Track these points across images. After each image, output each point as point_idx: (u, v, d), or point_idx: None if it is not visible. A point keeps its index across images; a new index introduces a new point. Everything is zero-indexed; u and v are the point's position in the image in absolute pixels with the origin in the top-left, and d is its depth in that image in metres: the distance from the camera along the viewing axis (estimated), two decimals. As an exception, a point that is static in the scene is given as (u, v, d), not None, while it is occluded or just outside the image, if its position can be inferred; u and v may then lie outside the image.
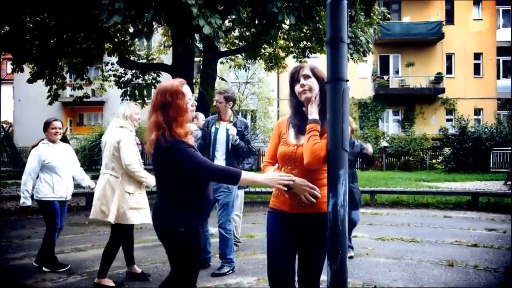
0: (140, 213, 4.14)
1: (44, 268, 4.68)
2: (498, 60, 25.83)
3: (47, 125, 4.77)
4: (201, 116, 6.24)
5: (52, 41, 11.20)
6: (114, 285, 4.16)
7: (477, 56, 25.31)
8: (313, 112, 2.45)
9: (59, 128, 4.76)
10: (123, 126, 4.25)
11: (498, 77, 25.73)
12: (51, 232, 4.72)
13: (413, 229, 7.00)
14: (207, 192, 2.57)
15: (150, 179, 4.14)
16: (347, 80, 2.17)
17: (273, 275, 2.53)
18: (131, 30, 11.88)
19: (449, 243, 5.99)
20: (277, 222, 2.55)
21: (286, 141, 2.57)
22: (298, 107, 2.58)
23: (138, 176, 4.14)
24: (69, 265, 4.79)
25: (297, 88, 2.53)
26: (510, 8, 25.96)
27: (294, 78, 2.56)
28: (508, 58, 25.95)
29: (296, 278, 2.57)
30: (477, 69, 25.43)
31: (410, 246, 5.81)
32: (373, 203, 9.64)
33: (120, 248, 4.34)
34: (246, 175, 2.38)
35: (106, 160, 4.23)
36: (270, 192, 10.03)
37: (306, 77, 2.51)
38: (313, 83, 2.49)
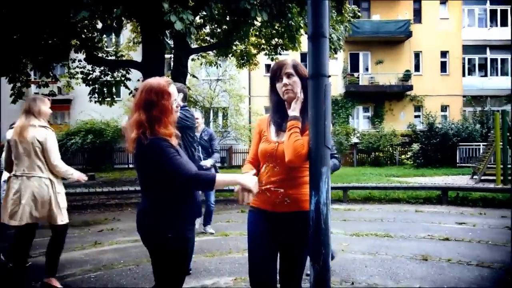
0: (64, 211, 4.10)
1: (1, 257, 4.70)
2: (464, 58, 26.50)
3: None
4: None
5: (15, 36, 10.78)
6: (61, 286, 4.06)
7: (443, 54, 25.91)
8: (295, 109, 2.40)
9: None
10: (45, 125, 4.02)
11: (464, 75, 26.41)
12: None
13: (386, 224, 7.08)
14: (196, 195, 2.48)
15: (76, 174, 4.06)
16: (329, 76, 2.14)
17: (255, 275, 2.47)
18: (99, 26, 11.60)
19: (422, 237, 6.08)
20: (259, 221, 2.50)
21: (267, 138, 2.52)
22: (279, 104, 2.52)
23: (63, 172, 4.01)
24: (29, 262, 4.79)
25: (279, 87, 2.47)
26: (477, 7, 26.67)
27: (276, 75, 2.48)
28: (473, 56, 26.70)
29: (278, 278, 2.52)
30: (443, 67, 26.03)
31: (385, 242, 5.86)
32: (346, 199, 9.72)
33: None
34: (220, 178, 2.26)
35: (26, 162, 3.94)
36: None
37: (289, 75, 2.44)
38: (296, 82, 2.43)
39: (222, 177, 2.26)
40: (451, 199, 9.43)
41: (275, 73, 2.48)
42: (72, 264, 4.91)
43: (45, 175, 3.95)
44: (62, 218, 4.04)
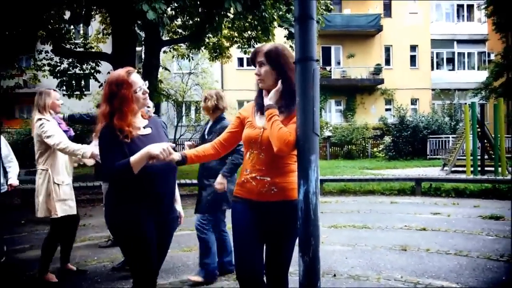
0: (66, 205, 3.96)
1: None
2: (432, 52, 27.00)
3: None
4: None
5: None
6: (57, 280, 3.99)
7: (413, 48, 26.31)
8: (271, 98, 2.30)
9: None
10: (41, 118, 3.94)
11: (432, 69, 26.92)
12: None
13: (363, 216, 7.09)
14: (158, 186, 2.37)
15: (85, 149, 3.84)
16: (317, 60, 2.04)
17: (241, 268, 2.36)
18: (67, 16, 11.20)
19: (399, 228, 6.10)
20: (244, 211, 2.39)
21: (251, 123, 2.42)
22: (261, 89, 2.43)
23: (71, 152, 3.83)
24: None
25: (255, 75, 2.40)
26: (444, 2, 27.19)
27: (254, 63, 2.41)
28: (441, 50, 27.24)
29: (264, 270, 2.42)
30: (413, 61, 26.45)
31: (363, 233, 5.86)
32: (322, 192, 9.71)
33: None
34: (133, 159, 2.22)
35: (35, 156, 4.03)
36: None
37: (261, 64, 2.36)
38: (267, 71, 2.33)
39: (134, 157, 2.22)
40: (424, 190, 9.55)
41: (252, 60, 2.42)
42: (43, 263, 4.68)
43: (41, 166, 3.95)
44: (55, 211, 3.90)
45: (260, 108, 2.39)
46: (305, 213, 2.02)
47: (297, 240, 2.17)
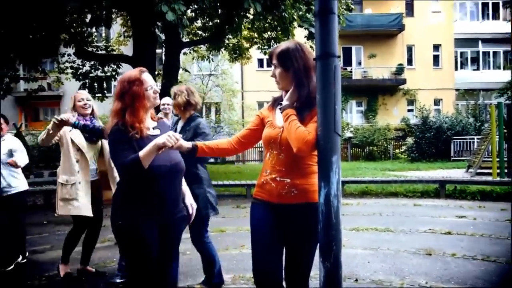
0: (70, 204, 3.92)
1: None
2: (456, 52, 26.46)
3: None
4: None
5: (1, 30, 10.47)
6: (66, 272, 4.08)
7: (436, 47, 25.83)
8: (288, 99, 2.24)
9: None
10: None
11: (456, 68, 26.38)
12: None
13: (385, 219, 6.93)
14: (161, 188, 2.34)
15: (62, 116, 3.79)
16: (339, 56, 1.95)
17: (259, 273, 2.28)
18: (88, 20, 11.31)
19: (423, 231, 5.94)
20: (263, 214, 2.31)
21: (271, 123, 2.35)
22: None
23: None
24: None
25: None
26: (469, 1, 26.65)
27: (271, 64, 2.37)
28: (465, 49, 26.68)
29: (284, 275, 2.34)
30: (436, 61, 25.96)
31: (385, 236, 5.71)
32: (343, 193, 9.56)
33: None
34: (142, 153, 2.20)
35: None
36: (238, 185, 9.84)
37: (275, 66, 2.31)
38: (279, 74, 2.29)
39: (143, 151, 2.21)
40: (448, 192, 9.32)
41: (270, 62, 2.37)
42: (62, 264, 4.69)
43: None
44: (56, 209, 3.98)
45: (280, 105, 2.32)
46: (326, 216, 1.93)
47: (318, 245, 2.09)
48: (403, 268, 4.28)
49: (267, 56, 16.85)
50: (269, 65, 2.39)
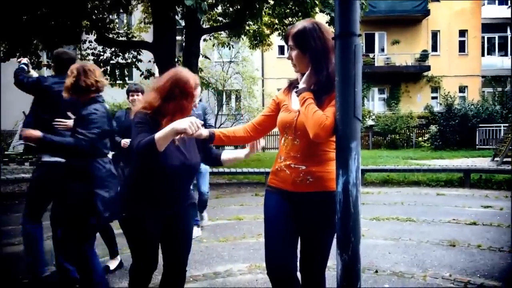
0: None
1: None
2: (483, 37, 25.68)
3: None
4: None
5: (25, 17, 10.53)
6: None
7: (462, 33, 25.11)
8: (305, 82, 2.12)
9: None
10: None
11: (483, 55, 25.62)
12: None
13: (407, 208, 6.76)
14: (169, 188, 2.31)
15: None
16: (359, 35, 1.82)
17: (272, 264, 2.17)
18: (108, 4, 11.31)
19: (447, 221, 5.75)
20: (277, 202, 2.20)
21: (287, 107, 2.23)
22: None
23: None
24: None
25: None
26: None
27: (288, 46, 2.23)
28: (493, 35, 25.87)
29: (298, 266, 2.24)
30: (462, 47, 25.25)
31: (407, 226, 5.55)
32: (363, 182, 9.40)
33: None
34: (158, 135, 2.06)
35: None
36: (257, 172, 9.76)
37: (291, 48, 2.18)
38: (296, 56, 2.15)
39: (159, 133, 2.06)
40: (473, 181, 9.05)
41: (286, 43, 2.23)
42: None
43: None
44: None
45: (297, 88, 2.21)
46: (344, 206, 1.81)
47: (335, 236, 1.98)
48: (426, 259, 4.14)
49: (287, 42, 16.62)
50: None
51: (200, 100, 5.04)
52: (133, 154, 2.19)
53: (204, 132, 2.24)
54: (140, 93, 4.73)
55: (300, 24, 2.17)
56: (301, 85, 2.11)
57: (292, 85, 2.29)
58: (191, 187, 2.62)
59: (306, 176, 2.11)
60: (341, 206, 1.82)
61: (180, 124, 2.03)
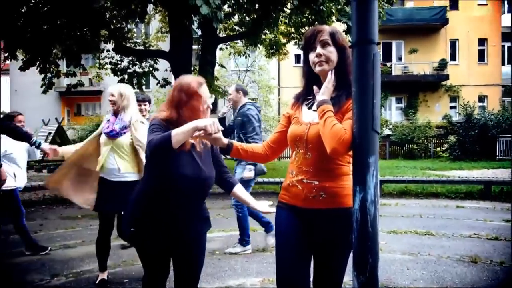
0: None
1: (26, 252, 4.84)
2: (503, 46, 25.26)
3: (11, 119, 4.76)
4: None
5: (45, 27, 10.67)
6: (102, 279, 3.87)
7: (481, 42, 24.73)
8: (325, 93, 2.00)
9: (23, 122, 4.84)
10: None
11: (503, 64, 25.18)
12: (20, 219, 4.86)
13: (426, 221, 6.58)
14: (178, 201, 2.22)
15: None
16: (379, 43, 1.72)
17: (283, 283, 2.06)
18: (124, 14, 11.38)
19: (467, 236, 5.56)
20: (289, 219, 2.09)
21: (298, 119, 2.13)
22: (311, 78, 2.13)
23: None
24: (49, 247, 4.99)
25: (312, 57, 2.07)
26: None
27: (310, 44, 2.07)
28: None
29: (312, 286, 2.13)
30: (481, 56, 24.86)
31: (426, 240, 5.38)
32: (381, 193, 9.18)
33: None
34: (176, 130, 1.99)
35: None
36: (272, 182, 9.67)
37: (324, 44, 2.03)
38: (332, 52, 2.03)
39: (178, 128, 2.00)
40: (494, 194, 8.80)
41: (309, 41, 2.07)
42: (91, 259, 4.62)
43: None
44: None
45: (307, 100, 2.12)
46: (361, 225, 1.71)
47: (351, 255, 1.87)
48: (446, 276, 3.97)
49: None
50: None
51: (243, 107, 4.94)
52: (146, 157, 2.19)
53: (223, 139, 2.15)
54: (147, 103, 4.75)
55: (326, 26, 2.11)
56: (321, 97, 2.00)
57: (300, 97, 2.19)
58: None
59: (319, 191, 2.00)
60: (358, 225, 1.72)
61: (201, 121, 1.99)
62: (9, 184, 4.61)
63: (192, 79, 2.29)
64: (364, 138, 1.71)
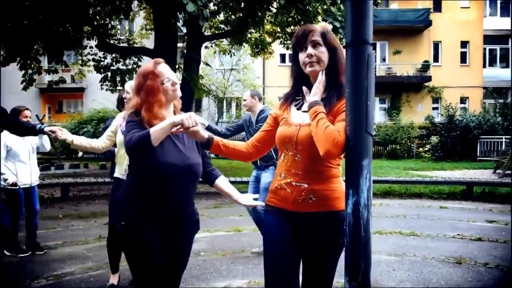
0: None
1: (5, 252, 4.75)
2: (485, 49, 25.64)
3: (17, 113, 4.58)
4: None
5: (26, 22, 10.43)
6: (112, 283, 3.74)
7: (464, 44, 25.07)
8: (316, 94, 1.95)
9: (30, 117, 4.67)
10: None
11: (484, 66, 25.57)
12: (17, 219, 4.77)
13: (410, 222, 6.61)
14: (166, 190, 2.12)
15: None
16: (373, 44, 1.69)
17: None
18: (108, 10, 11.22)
19: (452, 237, 5.60)
20: (277, 223, 2.03)
21: (287, 120, 2.07)
22: (300, 79, 2.08)
23: None
24: (30, 252, 4.80)
25: (302, 57, 2.02)
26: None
27: (301, 43, 2.02)
28: (494, 46, 25.84)
29: None
30: (463, 58, 25.20)
31: (411, 241, 5.40)
32: (365, 194, 9.23)
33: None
34: (153, 129, 1.99)
35: None
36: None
37: (316, 44, 1.99)
38: (323, 53, 1.99)
39: (155, 126, 2.01)
40: (476, 194, 8.91)
41: (300, 41, 2.02)
42: (73, 261, 4.53)
43: None
44: None
45: (296, 101, 2.08)
46: (354, 230, 1.67)
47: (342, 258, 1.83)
48: (432, 278, 3.98)
49: (289, 51, 16.48)
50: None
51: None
52: (127, 151, 2.08)
53: (203, 133, 2.09)
54: None
55: (316, 25, 2.06)
56: (313, 97, 1.95)
57: (289, 98, 2.14)
58: None
59: (309, 195, 1.95)
60: (351, 229, 1.68)
61: (177, 117, 2.00)
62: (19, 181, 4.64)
63: (149, 62, 2.29)
64: (357, 141, 1.68)
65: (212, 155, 5.39)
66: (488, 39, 25.25)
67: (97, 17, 12.37)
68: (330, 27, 11.71)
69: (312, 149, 1.89)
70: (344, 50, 1.91)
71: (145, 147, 1.97)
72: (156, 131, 1.96)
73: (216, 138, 2.17)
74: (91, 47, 13.64)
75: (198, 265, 4.31)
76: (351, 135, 1.69)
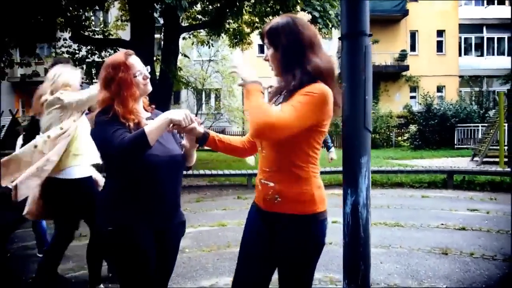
0: None
1: None
2: (460, 38, 25.97)
3: None
4: None
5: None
6: None
7: (440, 33, 25.34)
8: (252, 77, 1.88)
9: None
10: None
11: (460, 55, 25.92)
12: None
13: (393, 212, 6.62)
14: (158, 183, 2.01)
15: None
16: (370, 35, 1.61)
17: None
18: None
19: (436, 226, 5.61)
20: (254, 220, 1.96)
21: None
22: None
23: None
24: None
25: None
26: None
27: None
28: (469, 35, 26.20)
29: None
30: (439, 47, 25.49)
31: (396, 232, 5.39)
32: (347, 184, 9.24)
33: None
34: (148, 128, 1.85)
35: None
36: (239, 174, 9.54)
37: (266, 47, 1.92)
38: (271, 55, 1.88)
39: (150, 125, 1.88)
40: (456, 183, 9.01)
41: (262, 42, 1.97)
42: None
43: None
44: None
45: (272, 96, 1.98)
46: (352, 230, 1.60)
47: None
48: (419, 270, 3.96)
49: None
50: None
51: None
52: (115, 156, 1.89)
53: (199, 129, 2.01)
54: None
55: (275, 20, 1.90)
56: (252, 78, 1.86)
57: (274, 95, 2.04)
58: None
59: (274, 194, 1.82)
60: (349, 230, 1.62)
61: (176, 114, 1.89)
62: None
63: (118, 52, 2.16)
64: (355, 137, 1.61)
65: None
66: (463, 27, 25.58)
67: (70, 8, 11.94)
68: (309, 17, 11.63)
69: (273, 144, 1.80)
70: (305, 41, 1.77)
71: (143, 149, 1.84)
72: (153, 132, 1.83)
73: (212, 133, 2.10)
74: (65, 39, 13.24)
75: (183, 263, 4.20)
76: (349, 132, 1.62)
